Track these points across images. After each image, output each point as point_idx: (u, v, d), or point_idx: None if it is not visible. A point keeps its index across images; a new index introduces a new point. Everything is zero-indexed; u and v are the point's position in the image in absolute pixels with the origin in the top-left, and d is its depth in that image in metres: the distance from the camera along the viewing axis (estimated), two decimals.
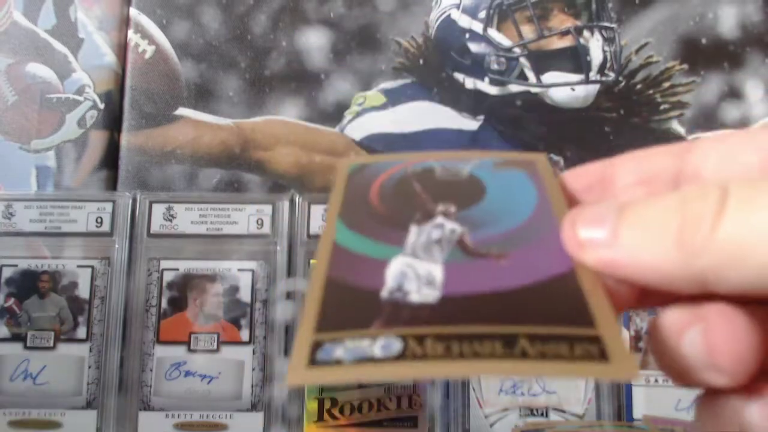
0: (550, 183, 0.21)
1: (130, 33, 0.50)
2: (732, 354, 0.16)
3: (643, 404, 0.42)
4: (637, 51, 0.49)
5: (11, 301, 0.43)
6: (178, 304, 0.43)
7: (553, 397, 0.42)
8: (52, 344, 0.42)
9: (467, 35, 0.49)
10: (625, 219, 0.17)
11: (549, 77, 0.48)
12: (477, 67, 0.49)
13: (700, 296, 0.17)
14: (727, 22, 0.49)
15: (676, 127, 0.48)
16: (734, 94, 0.49)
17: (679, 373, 0.17)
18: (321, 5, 0.50)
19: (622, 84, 0.49)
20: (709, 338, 0.16)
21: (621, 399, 0.42)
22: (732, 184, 0.16)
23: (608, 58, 0.49)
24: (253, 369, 0.43)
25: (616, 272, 0.17)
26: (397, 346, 0.16)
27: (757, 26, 0.49)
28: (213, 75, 0.49)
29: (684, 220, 0.16)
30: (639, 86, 0.49)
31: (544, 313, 0.16)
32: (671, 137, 0.48)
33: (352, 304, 0.17)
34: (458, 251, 0.18)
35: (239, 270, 0.44)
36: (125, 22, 0.50)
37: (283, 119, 0.49)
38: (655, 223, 0.16)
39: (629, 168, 0.21)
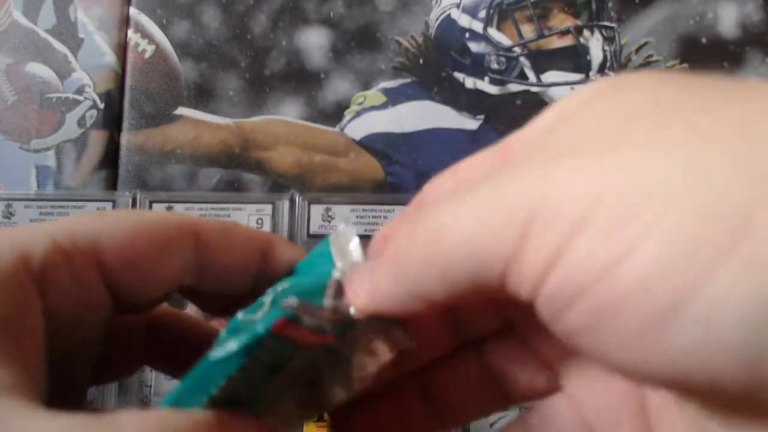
0: None
1: (130, 33, 0.50)
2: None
3: None
4: (637, 50, 0.49)
5: None
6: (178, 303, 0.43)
7: None
8: None
9: (467, 35, 0.49)
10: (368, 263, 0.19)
11: (549, 77, 0.48)
12: (477, 66, 0.49)
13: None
14: (727, 21, 0.49)
15: None
16: None
17: None
18: (321, 5, 0.50)
19: None
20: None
21: None
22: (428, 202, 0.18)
23: (608, 57, 0.49)
24: None
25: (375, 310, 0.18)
26: None
27: (757, 26, 0.49)
28: (213, 75, 0.49)
29: (397, 243, 0.17)
30: None
31: None
32: None
33: None
34: None
35: None
36: (125, 21, 0.50)
37: (283, 119, 0.49)
38: (382, 259, 0.17)
39: None
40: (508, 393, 0.21)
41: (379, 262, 0.18)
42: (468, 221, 0.15)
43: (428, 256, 0.16)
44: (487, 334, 0.21)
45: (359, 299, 0.18)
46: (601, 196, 0.13)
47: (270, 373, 0.18)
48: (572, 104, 0.16)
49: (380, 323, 0.18)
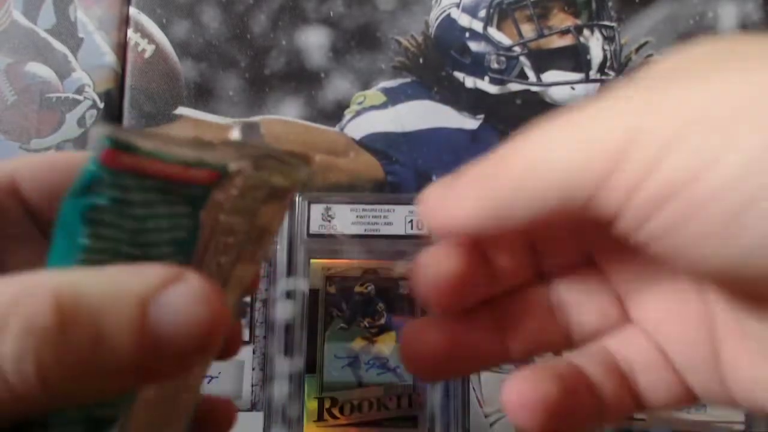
0: None
1: (130, 32, 0.50)
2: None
3: None
4: (637, 50, 0.49)
5: None
6: None
7: None
8: None
9: (467, 34, 0.49)
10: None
11: (549, 76, 0.48)
12: (477, 66, 0.49)
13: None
14: (727, 21, 0.49)
15: None
16: None
17: None
18: (321, 4, 0.50)
19: None
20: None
21: None
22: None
23: (608, 56, 0.49)
24: (253, 369, 0.43)
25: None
26: None
27: (757, 26, 0.49)
28: (213, 74, 0.49)
29: (483, 167, 0.18)
30: None
31: None
32: None
33: None
34: None
35: None
36: (125, 21, 0.50)
37: (282, 118, 0.49)
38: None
39: None
40: (577, 328, 0.22)
41: (458, 183, 0.18)
42: (564, 146, 0.16)
43: (520, 179, 0.17)
44: (561, 268, 0.22)
45: (438, 214, 0.19)
46: (693, 119, 0.15)
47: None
48: (659, 61, 0.18)
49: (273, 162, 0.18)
